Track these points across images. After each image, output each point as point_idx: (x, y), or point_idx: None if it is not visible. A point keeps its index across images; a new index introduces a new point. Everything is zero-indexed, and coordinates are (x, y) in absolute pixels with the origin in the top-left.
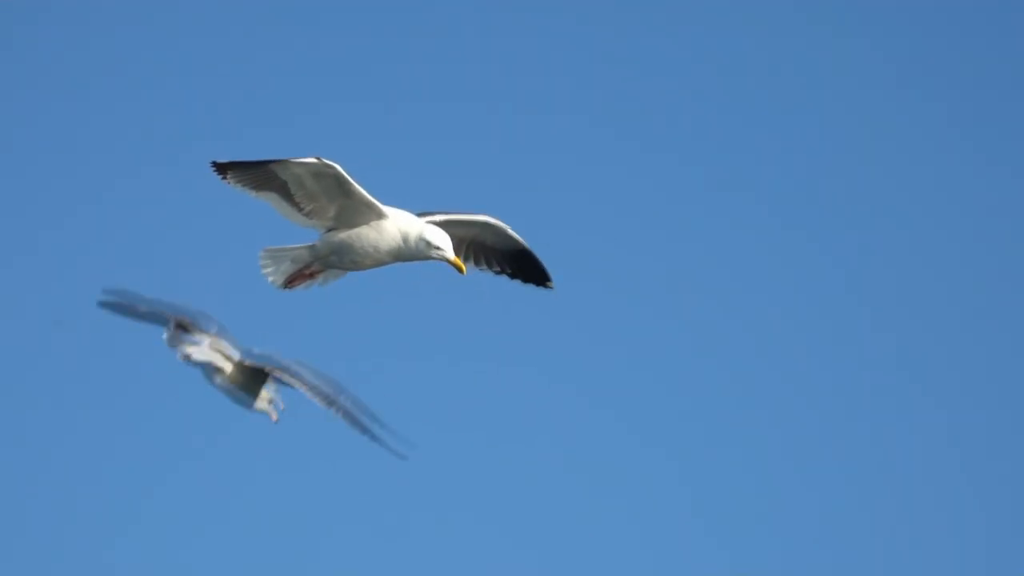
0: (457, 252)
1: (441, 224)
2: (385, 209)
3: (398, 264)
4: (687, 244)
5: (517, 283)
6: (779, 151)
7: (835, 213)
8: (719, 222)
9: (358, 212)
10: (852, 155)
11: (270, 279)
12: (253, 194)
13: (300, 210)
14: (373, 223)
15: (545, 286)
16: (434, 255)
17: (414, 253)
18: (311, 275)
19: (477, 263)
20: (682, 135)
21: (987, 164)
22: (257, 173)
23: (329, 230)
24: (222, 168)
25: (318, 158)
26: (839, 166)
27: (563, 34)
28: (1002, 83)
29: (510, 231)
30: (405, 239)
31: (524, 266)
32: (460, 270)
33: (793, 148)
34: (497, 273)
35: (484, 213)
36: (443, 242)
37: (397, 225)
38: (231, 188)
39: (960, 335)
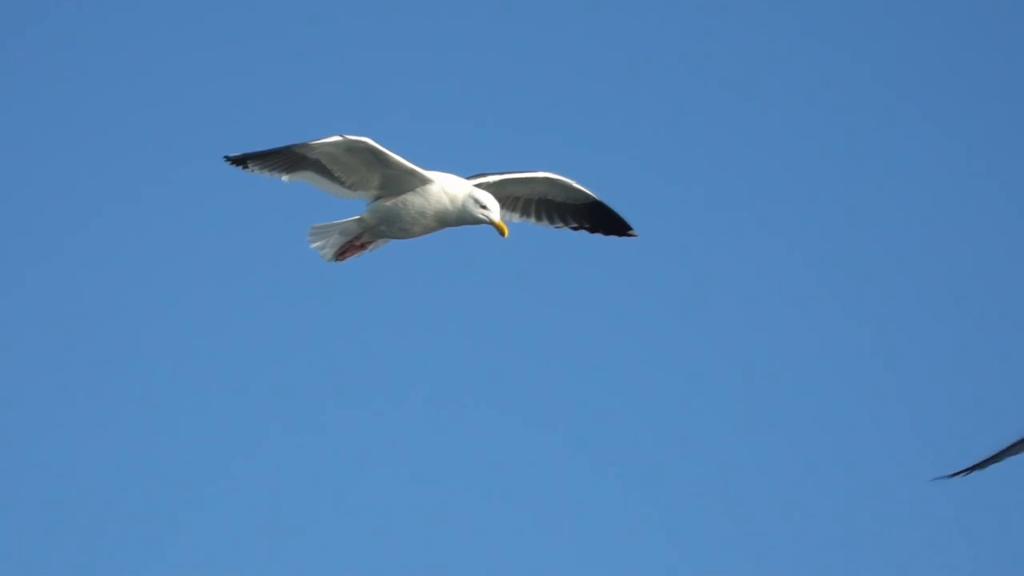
0: (524, 212)
1: (498, 184)
2: (429, 174)
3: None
4: (685, 244)
5: (599, 236)
6: (778, 151)
7: (834, 212)
8: (716, 221)
9: (402, 180)
10: (851, 155)
11: (320, 253)
12: (286, 177)
13: (343, 184)
14: (419, 189)
15: (628, 235)
16: (480, 215)
17: (461, 216)
18: (362, 246)
19: (552, 221)
20: (679, 135)
21: (987, 164)
22: (283, 159)
23: (376, 199)
24: (238, 160)
25: (343, 136)
26: (839, 165)
27: (564, 34)
28: (1001, 84)
29: (575, 184)
30: (452, 201)
31: (601, 219)
32: (502, 232)
33: (791, 148)
34: (575, 229)
35: (543, 169)
36: (490, 203)
37: (443, 188)
38: (257, 176)
39: (959, 334)
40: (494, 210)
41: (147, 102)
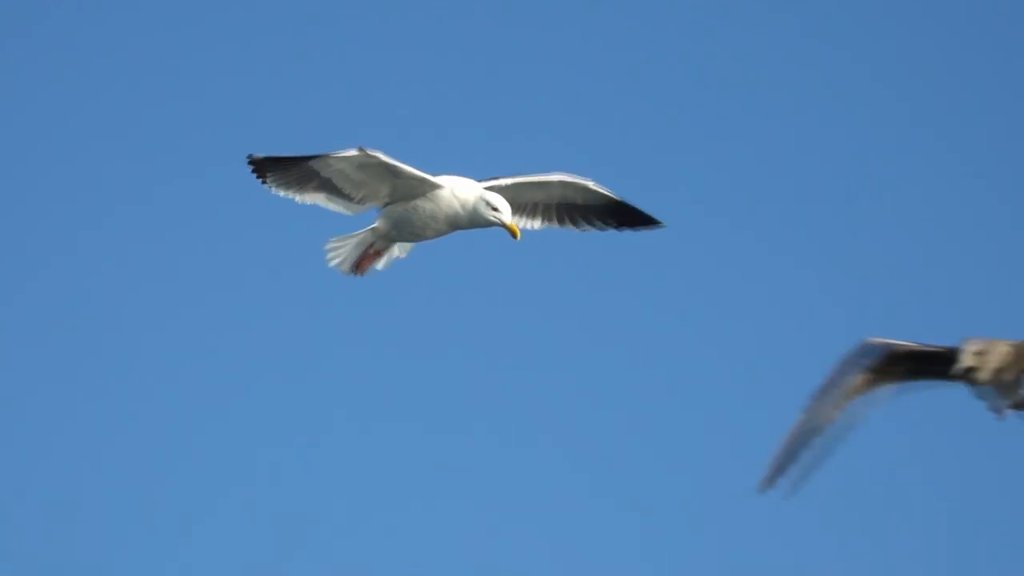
0: (546, 218)
1: (512, 188)
2: (439, 180)
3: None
4: (688, 252)
5: (628, 232)
6: (777, 155)
7: (832, 215)
8: (712, 225)
9: (412, 187)
10: (850, 157)
11: (340, 268)
12: (299, 197)
13: (351, 200)
14: (429, 194)
15: (657, 226)
16: (491, 217)
17: (472, 218)
18: (377, 254)
19: (576, 224)
20: (679, 137)
21: (987, 168)
22: (298, 172)
23: (386, 205)
24: (260, 167)
25: (361, 149)
26: (835, 168)
27: (564, 36)
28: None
29: (593, 185)
30: (463, 205)
31: (627, 216)
32: (514, 235)
33: (787, 150)
34: (602, 230)
35: (558, 172)
36: (501, 204)
37: (453, 192)
38: (273, 194)
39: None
40: (505, 212)
41: (147, 103)
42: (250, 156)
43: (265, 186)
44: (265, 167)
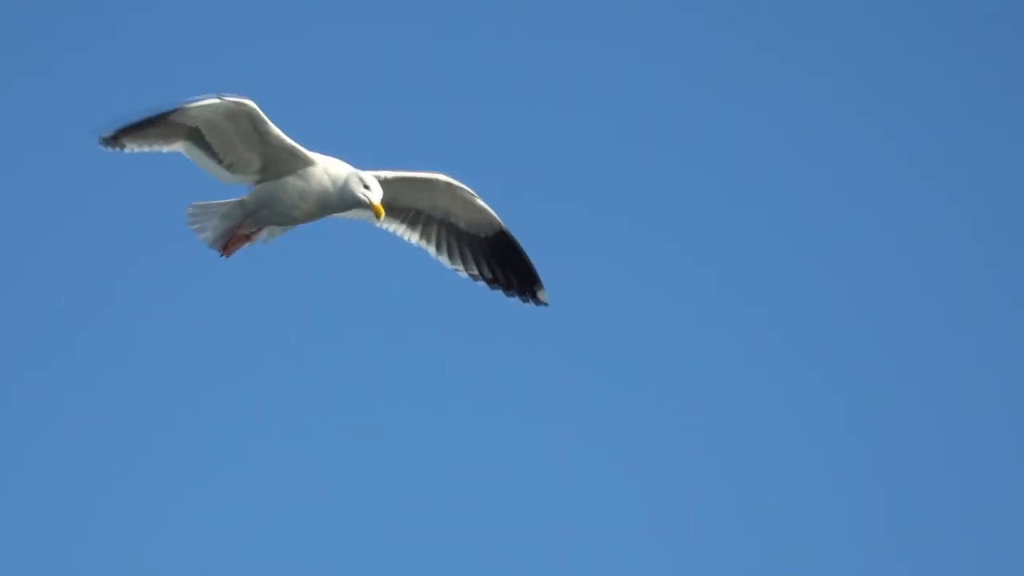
0: (424, 236)
1: (394, 182)
2: (312, 156)
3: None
4: (682, 249)
5: (499, 295)
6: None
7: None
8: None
9: (284, 161)
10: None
11: (200, 236)
12: (166, 149)
13: (220, 162)
14: (301, 171)
15: (535, 296)
16: (360, 194)
17: (342, 196)
18: (247, 237)
19: (451, 257)
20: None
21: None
22: (160, 128)
23: (257, 183)
24: (113, 139)
25: (220, 97)
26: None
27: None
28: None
29: (477, 199)
30: (334, 182)
31: (508, 258)
32: (378, 215)
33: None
34: (475, 278)
35: (440, 172)
36: (373, 183)
37: (325, 169)
38: (136, 154)
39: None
40: (375, 192)
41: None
42: (102, 136)
43: (125, 152)
44: (119, 138)
